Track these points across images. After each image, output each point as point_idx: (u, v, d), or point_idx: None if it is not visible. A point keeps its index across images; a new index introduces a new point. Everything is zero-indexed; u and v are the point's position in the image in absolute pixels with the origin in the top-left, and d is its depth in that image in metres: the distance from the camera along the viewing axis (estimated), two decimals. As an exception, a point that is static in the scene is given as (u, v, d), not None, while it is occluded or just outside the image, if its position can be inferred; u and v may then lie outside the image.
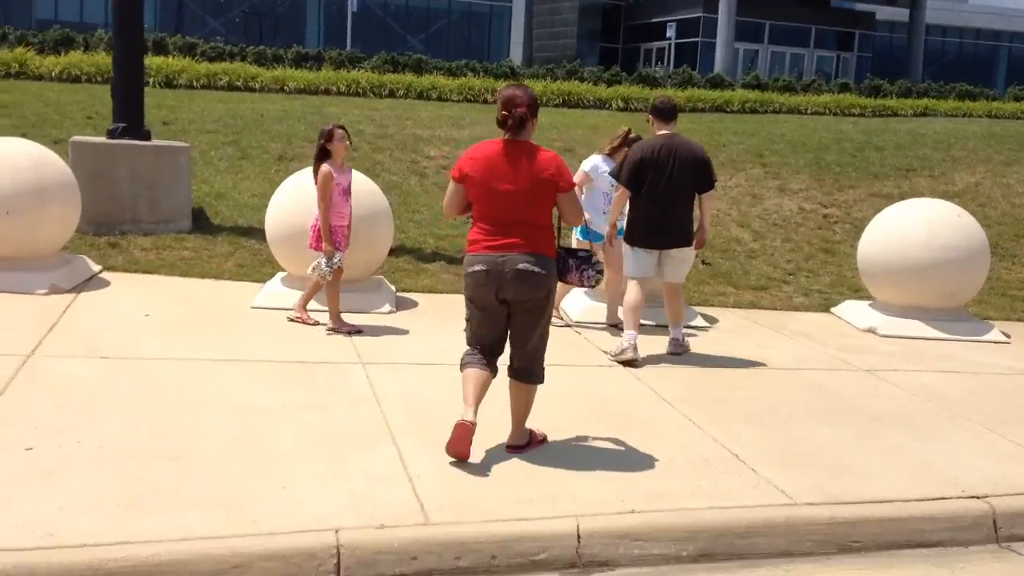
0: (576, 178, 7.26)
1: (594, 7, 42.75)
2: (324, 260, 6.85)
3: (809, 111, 18.88)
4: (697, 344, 7.26)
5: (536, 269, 4.59)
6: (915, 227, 8.04)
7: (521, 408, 4.90)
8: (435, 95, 16.43)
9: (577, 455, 4.76)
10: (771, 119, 17.57)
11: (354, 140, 12.34)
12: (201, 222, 9.40)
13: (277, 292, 7.57)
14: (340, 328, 6.89)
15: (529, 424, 4.95)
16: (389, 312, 7.53)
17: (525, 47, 41.21)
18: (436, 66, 19.58)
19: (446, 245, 9.49)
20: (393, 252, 9.15)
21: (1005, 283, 9.87)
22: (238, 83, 15.31)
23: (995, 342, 7.91)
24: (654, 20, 40.80)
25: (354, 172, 8.00)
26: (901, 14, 38.74)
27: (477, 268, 4.64)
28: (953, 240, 7.94)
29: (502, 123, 4.61)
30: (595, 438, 5.03)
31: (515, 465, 4.58)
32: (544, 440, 5.01)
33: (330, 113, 13.74)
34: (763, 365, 6.79)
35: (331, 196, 6.89)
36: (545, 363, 4.91)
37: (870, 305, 8.48)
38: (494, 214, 4.62)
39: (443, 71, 18.99)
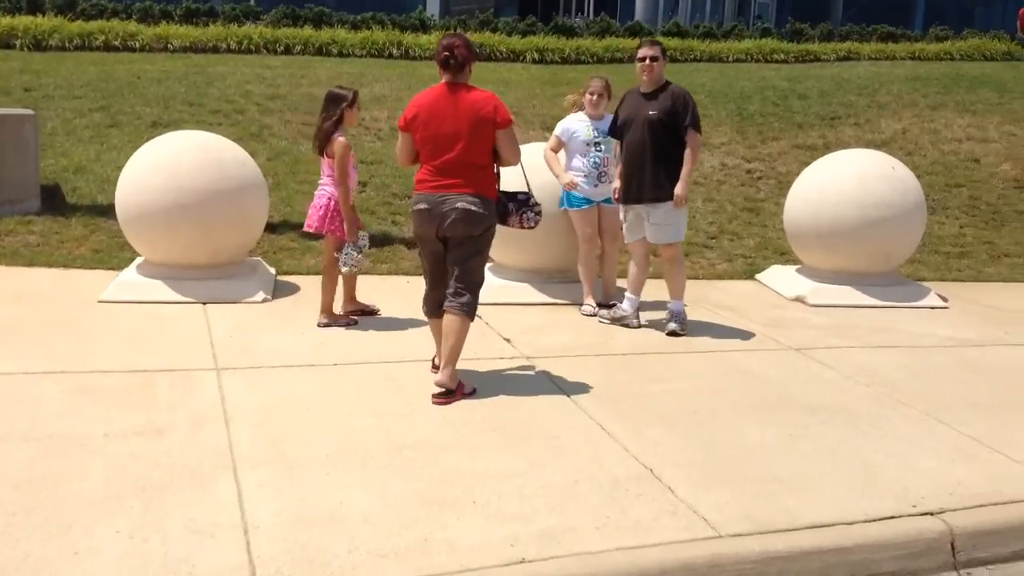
0: (549, 144, 6.79)
1: (512, -45, 41.40)
2: (351, 247, 6.00)
3: (731, 59, 18.15)
4: (612, 326, 6.50)
5: (474, 208, 4.82)
6: (846, 183, 7.34)
7: (450, 343, 4.93)
8: (336, 51, 15.28)
9: (461, 481, 3.95)
10: (692, 68, 16.81)
11: (241, 102, 11.31)
12: (55, 201, 8.31)
13: (131, 282, 6.59)
14: (336, 321, 6.18)
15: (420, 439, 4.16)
16: (263, 301, 6.60)
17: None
18: (340, 19, 18.35)
19: (337, 218, 8.53)
20: (275, 228, 8.22)
21: (938, 239, 9.30)
22: (116, 42, 13.95)
23: (932, 307, 7.29)
24: (573, -32, 39.70)
25: (222, 139, 7.04)
26: (821, -43, 38.22)
27: (421, 207, 4.91)
28: (888, 196, 7.27)
29: (444, 63, 4.86)
30: (484, 456, 4.22)
31: (381, 498, 3.75)
32: (472, 393, 5.02)
33: (216, 72, 12.59)
34: (683, 348, 6.05)
35: (349, 170, 6.04)
36: (477, 303, 4.99)
37: (797, 271, 7.81)
38: (437, 155, 4.85)
39: (347, 24, 17.79)
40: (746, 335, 6.41)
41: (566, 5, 40.45)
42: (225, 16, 17.30)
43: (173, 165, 6.47)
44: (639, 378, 5.42)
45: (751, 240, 9.02)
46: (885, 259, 7.38)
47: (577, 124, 6.70)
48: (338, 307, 6.28)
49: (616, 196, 6.47)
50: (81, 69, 12.09)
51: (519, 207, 5.17)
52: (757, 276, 8.10)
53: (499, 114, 4.83)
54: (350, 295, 6.41)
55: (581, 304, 6.73)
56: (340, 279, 6.28)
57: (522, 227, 5.22)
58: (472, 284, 4.97)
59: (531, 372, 5.44)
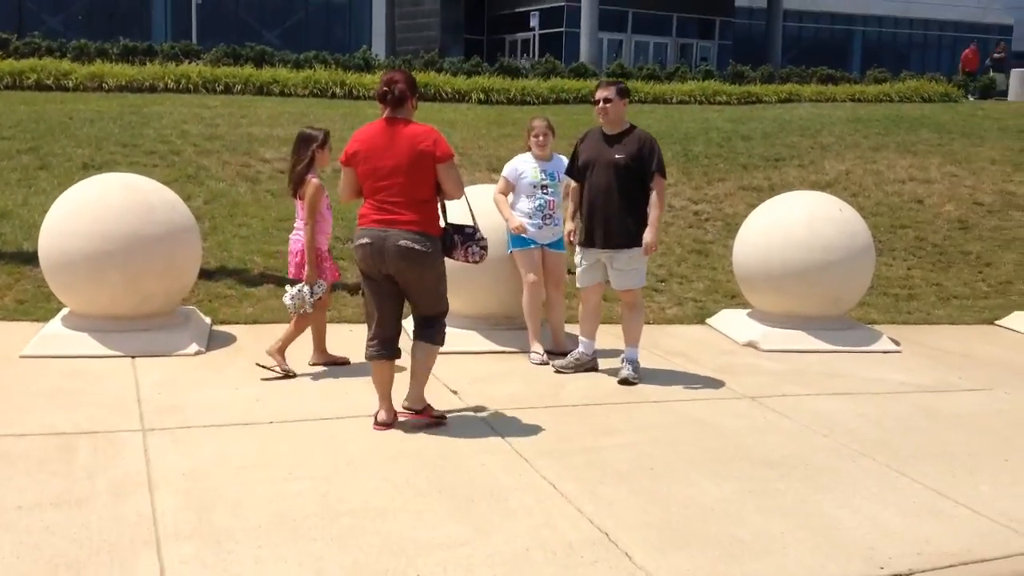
0: (498, 188, 6.58)
1: (456, -3, 41.71)
2: (307, 288, 5.82)
3: (675, 100, 18.26)
4: (560, 375, 6.29)
5: (416, 247, 4.80)
6: (795, 226, 7.25)
7: (418, 368, 5.08)
8: (277, 90, 15.02)
9: (403, 551, 3.68)
10: (636, 109, 16.80)
11: (177, 143, 10.98)
12: (-26, 249, 7.90)
13: (55, 335, 6.22)
14: (326, 361, 6.20)
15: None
16: (196, 353, 6.27)
17: (388, 39, 39.71)
18: (282, 58, 18.13)
19: (277, 264, 8.23)
20: (212, 275, 7.90)
21: (886, 280, 9.28)
22: (48, 82, 13.53)
23: (884, 351, 7.20)
24: (518, 10, 40.04)
25: (150, 180, 6.74)
26: (760, 0, 39.07)
27: (363, 241, 4.88)
28: (837, 239, 7.19)
29: (382, 98, 4.87)
30: (428, 522, 3.96)
31: (316, 575, 3.46)
32: (441, 420, 5.13)
33: (152, 112, 12.24)
34: (636, 398, 5.85)
35: (320, 212, 5.89)
36: (443, 334, 5.09)
37: (748, 314, 7.68)
38: (378, 190, 4.85)
39: (289, 64, 17.56)
40: (699, 383, 6.23)
41: (511, 47, 40.75)
42: (164, 55, 16.98)
43: (98, 209, 6.15)
44: (591, 431, 5.20)
45: (700, 283, 8.91)
46: (835, 302, 7.29)
47: (524, 165, 6.53)
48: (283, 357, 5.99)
49: (570, 239, 6.29)
50: (9, 108, 11.66)
51: (464, 240, 5.07)
52: (708, 320, 7.97)
53: (439, 148, 4.84)
54: (319, 346, 6.21)
55: (528, 352, 6.51)
56: (308, 328, 6.11)
57: (467, 260, 5.12)
58: (437, 315, 5.05)
59: (479, 427, 5.19)
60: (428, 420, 5.11)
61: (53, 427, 4.80)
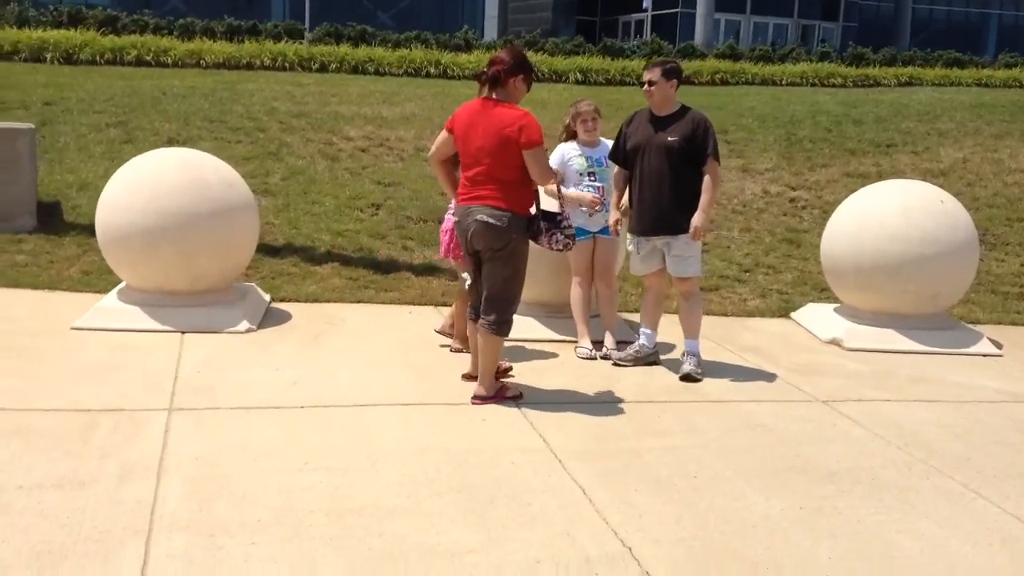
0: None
1: (571, -22, 41.20)
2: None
3: (785, 82, 17.46)
4: (617, 367, 5.92)
5: (494, 222, 4.80)
6: (889, 216, 6.67)
7: (480, 361, 5.10)
8: (372, 69, 14.95)
9: (403, 558, 3.40)
10: (743, 91, 16.16)
11: (263, 120, 10.98)
12: (52, 219, 8.00)
13: (109, 309, 6.18)
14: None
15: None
16: (246, 331, 6.15)
17: (500, 21, 39.57)
18: (384, 38, 18.09)
19: (344, 243, 8.10)
20: (278, 252, 7.80)
21: (996, 277, 8.53)
22: (148, 58, 13.78)
23: (983, 355, 6.56)
24: (631, -9, 39.27)
25: (211, 157, 6.64)
26: (888, -19, 37.24)
27: (456, 218, 5.06)
28: (935, 231, 6.58)
29: (477, 77, 5.02)
30: (439, 525, 3.67)
31: (304, 581, 3.22)
32: (518, 396, 5.13)
33: (244, 89, 12.30)
34: (695, 396, 5.44)
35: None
36: (510, 318, 5.01)
37: (836, 310, 7.13)
38: (470, 167, 4.90)
39: (389, 43, 17.51)
40: (769, 382, 5.77)
41: (624, 28, 40.02)
42: (268, 33, 17.14)
43: (154, 185, 6.07)
44: (638, 431, 4.83)
45: (789, 274, 8.36)
46: (931, 300, 6.68)
47: (571, 152, 6.13)
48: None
49: (616, 228, 5.93)
50: (107, 83, 11.90)
51: (549, 227, 4.97)
52: (792, 315, 7.44)
53: (524, 134, 4.77)
54: (459, 332, 5.95)
55: (577, 346, 6.14)
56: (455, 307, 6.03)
57: (551, 247, 5.04)
58: (498, 302, 4.96)
59: (518, 421, 4.87)
60: (501, 401, 5.09)
61: (81, 403, 4.71)
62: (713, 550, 3.60)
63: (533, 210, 4.97)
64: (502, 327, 4.99)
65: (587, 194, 6.01)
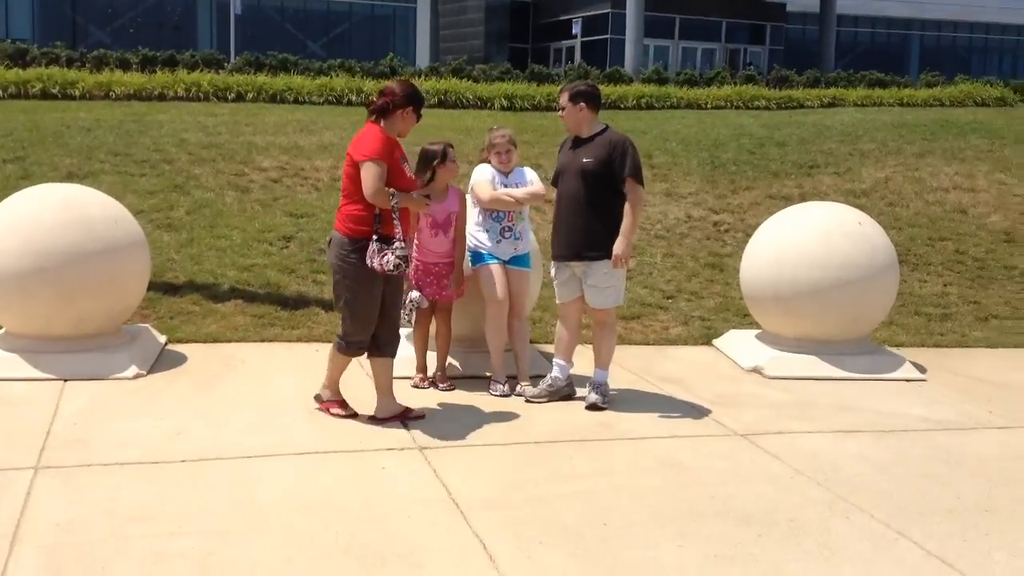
0: (479, 195, 5.80)
1: (501, 6, 41.27)
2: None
3: (710, 105, 17.48)
4: (537, 403, 5.64)
5: (330, 243, 5.02)
6: (808, 240, 6.51)
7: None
8: (291, 98, 14.58)
9: (273, 635, 3.07)
10: (667, 115, 16.11)
11: (171, 151, 10.54)
12: (-66, 261, 7.49)
13: (-14, 357, 5.74)
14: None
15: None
16: (135, 376, 5.74)
17: (432, 48, 39.44)
18: (306, 67, 17.73)
19: (250, 278, 7.71)
20: (178, 290, 7.39)
21: (919, 298, 8.45)
22: (54, 90, 13.25)
23: (907, 380, 6.42)
24: (562, 18, 39.48)
25: (95, 192, 6.24)
26: (812, 5, 37.95)
27: None
28: (854, 255, 6.44)
29: (367, 107, 5.09)
30: (318, 594, 3.34)
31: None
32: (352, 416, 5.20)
33: (154, 121, 11.85)
34: (609, 434, 5.17)
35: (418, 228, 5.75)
36: (352, 338, 5.05)
37: (757, 336, 6.95)
38: None
39: (312, 72, 17.16)
40: (688, 416, 5.53)
41: (556, 55, 40.17)
42: (184, 64, 16.66)
43: (31, 223, 5.66)
44: (548, 475, 4.54)
45: (711, 300, 8.17)
46: (852, 324, 6.53)
47: (491, 174, 5.87)
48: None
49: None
50: (7, 118, 11.35)
51: (381, 247, 4.83)
52: (714, 342, 7.25)
53: (356, 148, 4.89)
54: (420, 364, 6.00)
55: (491, 384, 5.84)
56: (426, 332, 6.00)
57: (381, 269, 4.83)
58: (342, 323, 5.08)
59: (421, 469, 4.55)
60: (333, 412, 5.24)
61: (-65, 465, 4.29)
62: (618, 609, 3.33)
63: (370, 228, 4.84)
64: (341, 344, 5.09)
65: (516, 191, 5.76)
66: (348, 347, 5.06)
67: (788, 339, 6.66)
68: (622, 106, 16.87)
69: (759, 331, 7.02)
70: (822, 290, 6.36)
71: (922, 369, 6.64)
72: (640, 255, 9.06)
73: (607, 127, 5.63)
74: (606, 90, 17.46)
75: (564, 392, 5.75)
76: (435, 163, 5.63)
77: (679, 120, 15.33)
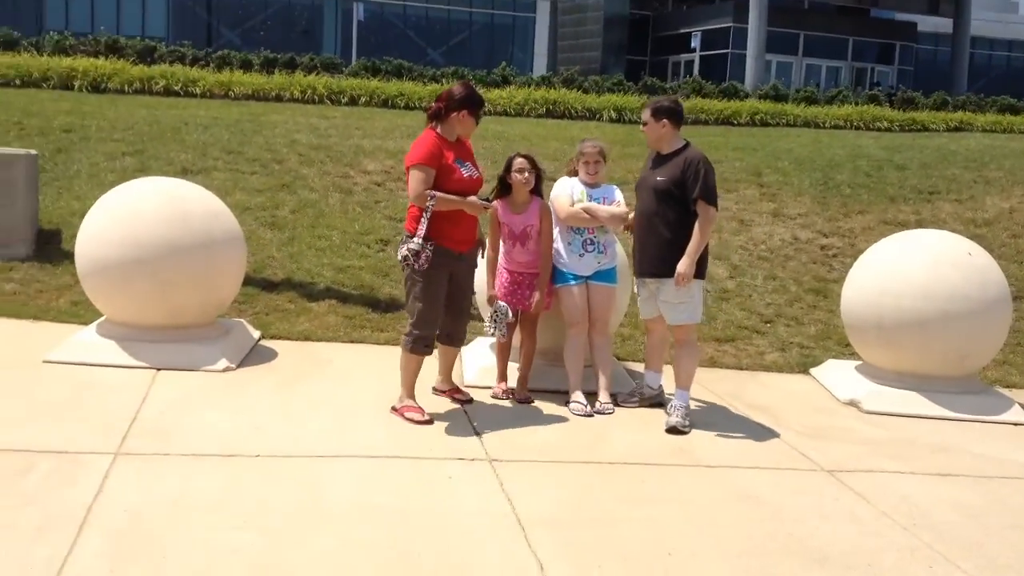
0: (562, 208, 5.77)
1: (620, 18, 41.14)
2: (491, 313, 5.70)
3: (828, 125, 16.97)
4: (611, 421, 5.52)
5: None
6: (913, 269, 6.20)
7: None
8: (403, 103, 14.79)
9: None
10: (782, 133, 15.70)
11: (282, 151, 10.80)
12: (49, 247, 7.84)
13: (85, 342, 5.96)
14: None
15: None
16: (224, 370, 5.86)
17: (550, 59, 39.54)
18: (420, 73, 17.99)
19: (345, 279, 7.81)
20: (275, 287, 7.54)
21: (1037, 337, 7.97)
22: (176, 88, 13.76)
23: (1015, 423, 6.04)
24: (681, 31, 39.07)
25: (197, 188, 6.40)
26: (945, 25, 36.52)
27: None
28: (963, 287, 6.10)
29: (427, 112, 5.37)
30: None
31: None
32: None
33: (268, 121, 12.18)
34: (687, 460, 5.01)
35: (498, 237, 5.74)
36: (415, 334, 5.20)
37: (857, 368, 6.65)
38: None
39: (426, 78, 17.39)
40: (773, 447, 5.32)
41: (674, 68, 39.76)
42: (304, 67, 17.10)
43: (131, 215, 5.84)
44: (617, 497, 4.42)
45: (813, 327, 7.88)
46: (959, 361, 6.18)
47: (570, 188, 5.80)
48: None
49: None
50: (129, 112, 11.83)
51: (403, 241, 5.11)
52: (811, 371, 6.98)
53: (408, 155, 5.10)
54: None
55: (569, 401, 5.73)
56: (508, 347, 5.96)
57: (400, 260, 5.13)
58: (409, 322, 5.27)
59: (488, 481, 4.50)
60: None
61: (24, 443, 4.45)
62: (673, 645, 3.19)
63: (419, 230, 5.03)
64: (406, 342, 5.22)
65: (603, 208, 5.70)
66: (412, 344, 5.19)
67: (889, 373, 6.35)
68: (735, 122, 16.53)
69: (859, 363, 6.72)
70: (926, 322, 6.04)
71: (1033, 413, 6.24)
72: (740, 276, 8.82)
73: (687, 144, 5.60)
74: (719, 105, 17.16)
75: (653, 399, 5.79)
76: (503, 174, 5.65)
77: (794, 138, 14.92)
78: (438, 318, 5.21)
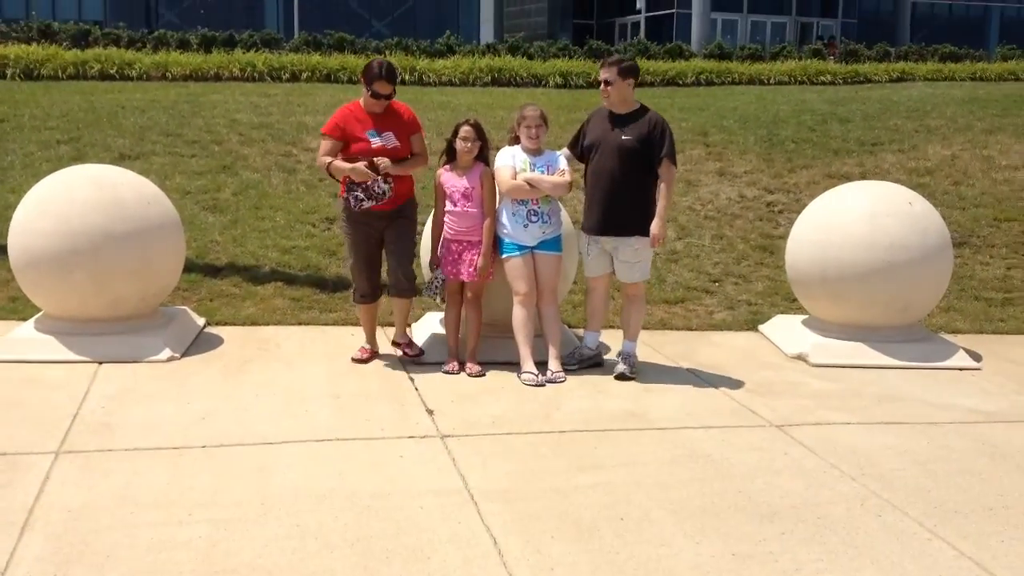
0: (506, 179, 5.74)
1: (566, -19, 40.91)
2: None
3: (772, 81, 17.04)
4: (562, 390, 5.52)
5: None
6: (853, 221, 6.25)
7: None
8: (346, 77, 14.59)
9: (266, 629, 3.01)
10: (727, 92, 15.74)
11: (222, 132, 10.62)
12: (-16, 243, 7.64)
13: (22, 339, 5.82)
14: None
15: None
16: (168, 359, 5.77)
17: (496, 25, 39.23)
18: (364, 45, 17.75)
19: (291, 260, 7.72)
20: (219, 272, 7.42)
21: (980, 282, 8.09)
22: (112, 71, 13.44)
23: (959, 369, 6.14)
24: (628, -8, 38.96)
25: (129, 173, 6.27)
26: (886, -24, 36.77)
27: None
28: (904, 237, 6.16)
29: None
30: (317, 588, 3.28)
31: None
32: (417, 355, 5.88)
33: (207, 101, 11.95)
34: (638, 424, 5.03)
35: (442, 202, 5.81)
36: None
37: (804, 322, 6.72)
38: None
39: (370, 51, 17.16)
40: (723, 405, 5.36)
41: (621, 31, 39.66)
42: (243, 44, 16.80)
43: (63, 205, 5.70)
44: (569, 466, 4.43)
45: (760, 284, 7.94)
46: (903, 310, 6.26)
47: (512, 159, 5.74)
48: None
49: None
50: (64, 99, 11.55)
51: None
52: (760, 327, 7.03)
53: None
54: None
55: (520, 372, 5.71)
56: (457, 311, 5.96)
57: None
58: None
59: (439, 458, 4.48)
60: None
61: (-40, 448, 4.34)
62: (625, 610, 3.20)
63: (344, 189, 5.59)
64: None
65: (553, 176, 5.67)
66: (352, 295, 5.92)
67: (835, 325, 6.43)
68: (681, 83, 16.54)
69: (806, 317, 6.78)
70: (868, 273, 6.11)
71: (977, 357, 6.35)
72: (687, 237, 8.85)
73: (642, 105, 5.61)
74: (665, 66, 17.15)
75: (592, 360, 5.87)
76: (450, 138, 5.74)
77: (739, 96, 14.97)
78: (363, 271, 5.72)
